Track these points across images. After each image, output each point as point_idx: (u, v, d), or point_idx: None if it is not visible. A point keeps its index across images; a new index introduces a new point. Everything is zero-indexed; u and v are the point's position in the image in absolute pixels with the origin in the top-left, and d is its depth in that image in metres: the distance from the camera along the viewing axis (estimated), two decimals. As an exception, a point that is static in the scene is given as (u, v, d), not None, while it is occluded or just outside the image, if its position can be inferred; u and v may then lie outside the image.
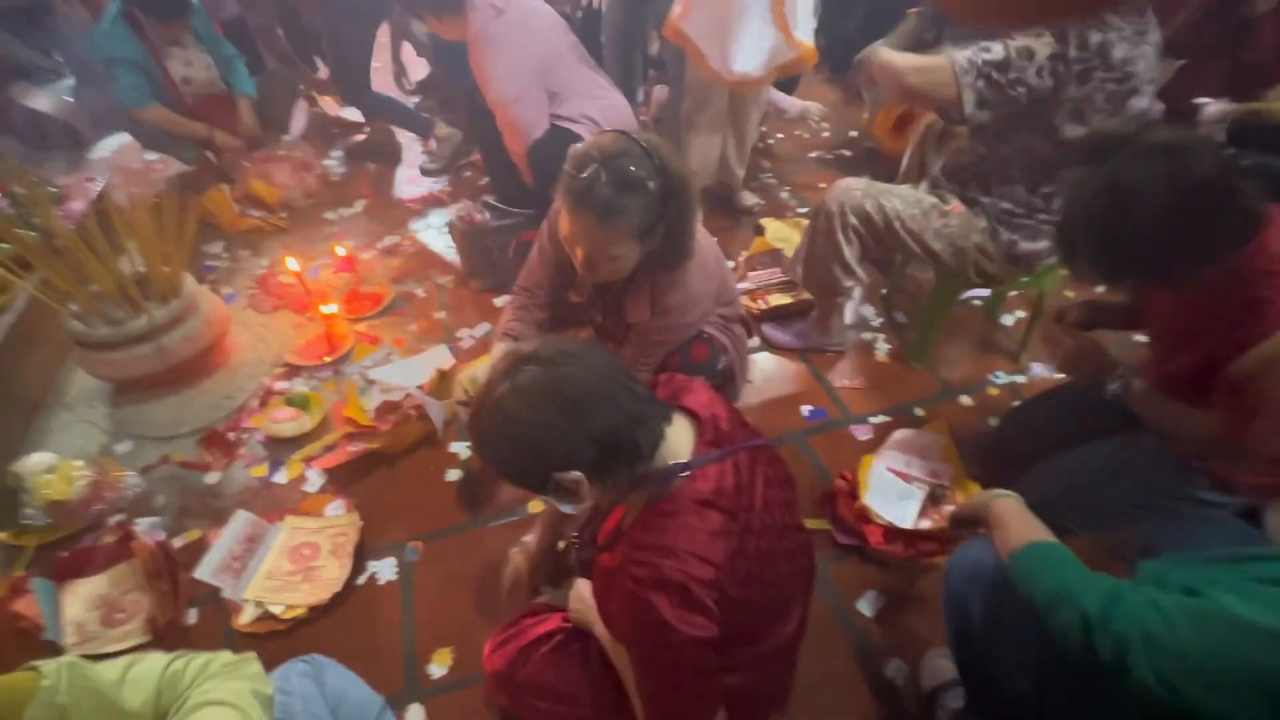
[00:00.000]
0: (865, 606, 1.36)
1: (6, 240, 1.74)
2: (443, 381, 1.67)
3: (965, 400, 1.81)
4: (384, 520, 1.54)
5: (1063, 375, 1.38)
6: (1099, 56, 1.29)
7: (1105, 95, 1.32)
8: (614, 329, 1.51)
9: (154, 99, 2.48)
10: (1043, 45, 1.31)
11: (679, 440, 0.85)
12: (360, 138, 3.23)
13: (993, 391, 1.84)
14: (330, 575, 1.39)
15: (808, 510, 1.53)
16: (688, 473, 0.82)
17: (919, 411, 1.78)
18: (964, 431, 1.67)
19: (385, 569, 1.45)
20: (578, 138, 1.99)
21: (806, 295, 1.97)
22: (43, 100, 3.05)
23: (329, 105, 3.40)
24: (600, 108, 2.04)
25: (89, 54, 2.58)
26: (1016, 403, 1.79)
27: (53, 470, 1.52)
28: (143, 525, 1.54)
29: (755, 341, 1.98)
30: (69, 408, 1.85)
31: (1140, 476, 1.23)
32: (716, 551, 0.79)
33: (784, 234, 2.39)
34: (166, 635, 1.31)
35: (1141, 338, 1.76)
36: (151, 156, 2.96)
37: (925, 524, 1.43)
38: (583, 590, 1.02)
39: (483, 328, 2.07)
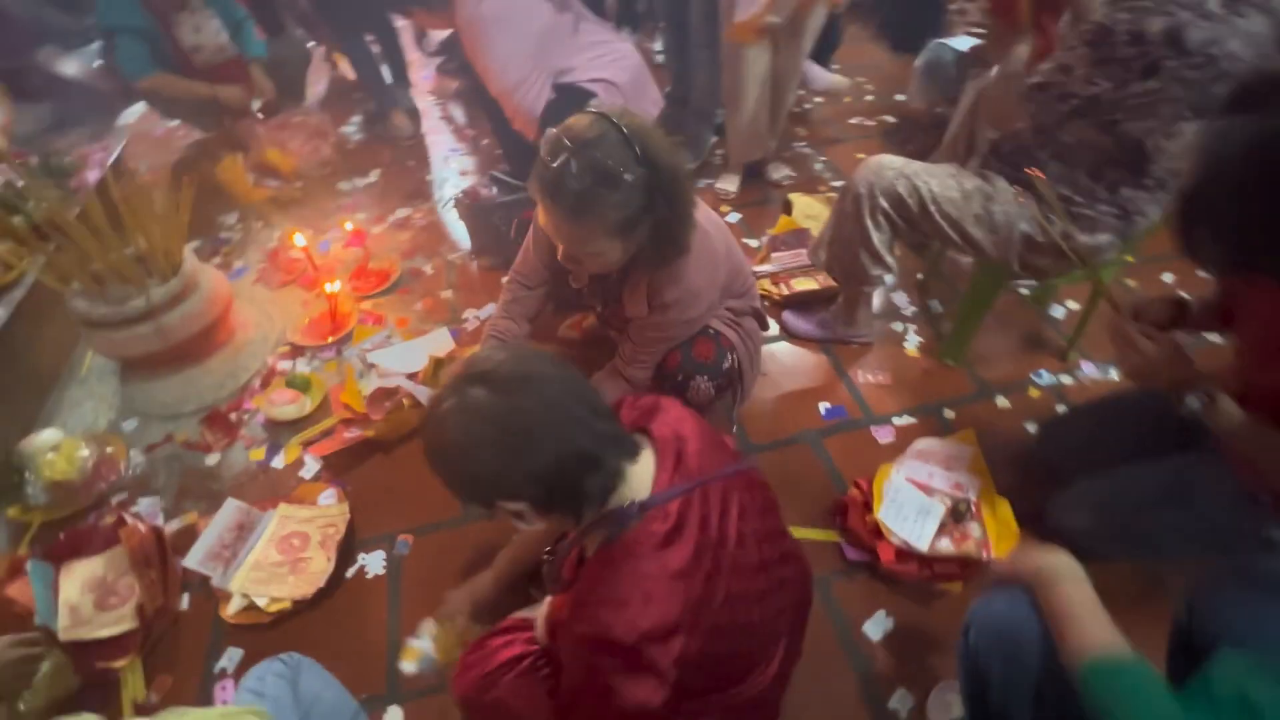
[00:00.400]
0: (872, 629, 1.26)
1: (18, 214, 1.74)
2: (438, 369, 1.61)
3: (1002, 402, 1.65)
4: (376, 510, 1.51)
5: (1130, 381, 1.21)
6: (1167, 46, 1.11)
7: (1184, 85, 1.13)
8: (614, 319, 1.41)
9: (158, 67, 2.43)
10: (1076, 55, 1.19)
11: (641, 475, 0.76)
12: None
13: (1034, 393, 1.67)
14: (316, 568, 1.36)
15: (817, 519, 1.43)
16: (645, 513, 0.73)
17: (949, 413, 1.63)
18: (997, 438, 1.52)
19: (374, 562, 1.42)
20: (591, 95, 1.88)
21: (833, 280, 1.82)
22: (71, 66, 3.05)
23: (349, 70, 3.32)
24: (611, 66, 1.90)
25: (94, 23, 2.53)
26: (1061, 408, 1.63)
27: (56, 449, 1.53)
28: (142, 505, 1.55)
29: (774, 329, 1.85)
30: (82, 382, 1.87)
31: (1198, 506, 1.09)
32: (675, 598, 0.70)
33: (814, 210, 2.22)
34: (155, 622, 1.31)
35: (1212, 338, 1.56)
36: (173, 122, 2.95)
37: (944, 543, 1.31)
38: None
39: (489, 308, 1.99)
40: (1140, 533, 1.22)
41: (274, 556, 1.38)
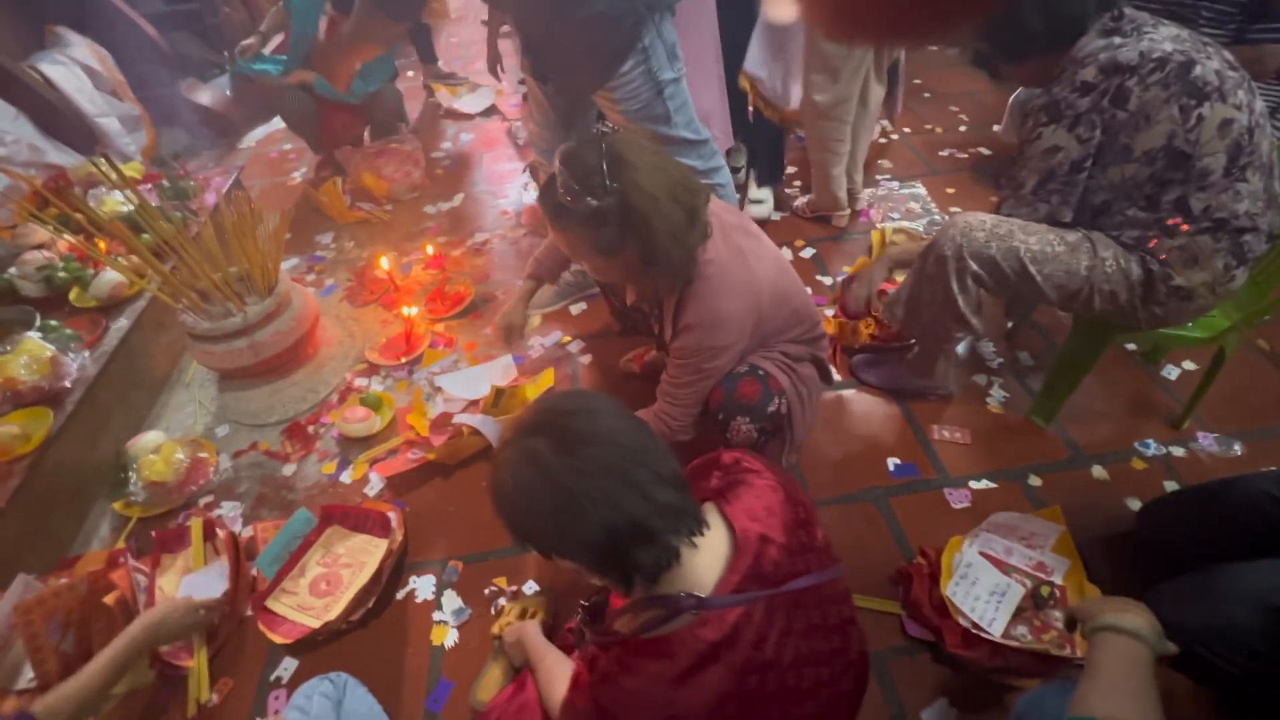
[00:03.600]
0: (932, 718, 1.15)
1: (149, 231, 1.92)
2: (498, 398, 1.64)
3: (1099, 472, 1.49)
4: (432, 534, 1.54)
5: None
6: (1114, 74, 1.16)
7: (1161, 84, 1.14)
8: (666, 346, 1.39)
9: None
10: (1058, 132, 1.23)
11: (706, 567, 0.72)
12: (472, 123, 3.28)
13: (1138, 465, 1.49)
14: (350, 595, 1.38)
15: (877, 587, 1.33)
16: (700, 612, 0.68)
17: (1035, 480, 1.49)
18: (1091, 515, 1.37)
19: (424, 586, 1.45)
20: None
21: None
22: (205, 95, 3.40)
23: (445, 97, 3.50)
24: None
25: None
26: (1170, 485, 1.45)
27: (157, 451, 1.67)
28: (225, 509, 1.66)
29: (840, 376, 1.76)
30: (187, 387, 2.04)
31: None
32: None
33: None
34: (223, 625, 1.39)
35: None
36: (286, 146, 3.20)
37: (1021, 630, 1.19)
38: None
39: (554, 336, 2.02)
40: (1268, 646, 1.06)
41: (320, 572, 1.44)
